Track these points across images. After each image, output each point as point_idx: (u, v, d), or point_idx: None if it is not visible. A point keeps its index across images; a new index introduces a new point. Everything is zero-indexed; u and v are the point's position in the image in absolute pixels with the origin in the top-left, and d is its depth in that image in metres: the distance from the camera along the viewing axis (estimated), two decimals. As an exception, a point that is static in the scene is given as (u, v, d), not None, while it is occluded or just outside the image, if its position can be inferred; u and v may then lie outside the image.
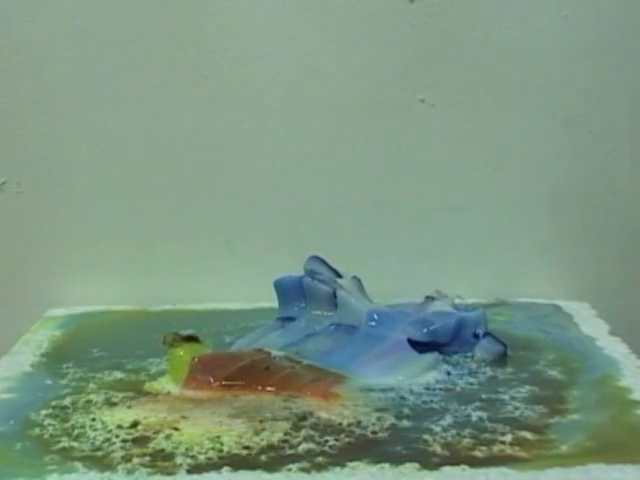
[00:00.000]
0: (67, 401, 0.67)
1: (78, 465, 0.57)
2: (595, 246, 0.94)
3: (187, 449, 0.59)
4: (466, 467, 0.56)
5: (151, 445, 0.59)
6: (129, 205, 0.93)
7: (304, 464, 0.56)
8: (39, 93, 0.91)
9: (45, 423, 0.64)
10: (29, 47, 0.91)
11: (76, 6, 0.90)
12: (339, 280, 0.79)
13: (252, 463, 0.57)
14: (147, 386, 0.70)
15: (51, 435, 0.62)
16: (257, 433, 0.61)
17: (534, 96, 0.92)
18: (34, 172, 0.93)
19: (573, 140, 0.93)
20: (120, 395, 0.68)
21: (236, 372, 0.69)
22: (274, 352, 0.72)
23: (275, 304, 0.81)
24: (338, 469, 0.56)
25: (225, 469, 0.56)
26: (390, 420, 0.63)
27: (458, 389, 0.69)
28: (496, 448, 0.58)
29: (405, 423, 0.63)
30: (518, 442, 0.59)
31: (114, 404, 0.67)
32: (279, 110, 0.92)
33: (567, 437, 0.60)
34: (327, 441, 0.60)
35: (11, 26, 0.90)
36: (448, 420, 0.63)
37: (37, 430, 0.63)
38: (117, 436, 0.61)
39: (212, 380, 0.69)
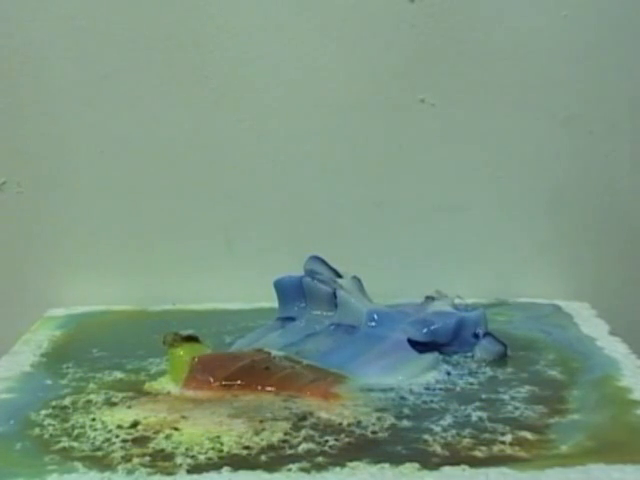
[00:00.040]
0: (67, 401, 0.67)
1: (78, 465, 0.57)
2: (595, 246, 0.94)
3: (187, 449, 0.59)
4: (466, 467, 0.56)
5: (151, 445, 0.59)
6: (129, 205, 0.93)
7: (304, 464, 0.56)
8: (39, 93, 0.91)
9: (45, 423, 0.64)
10: (29, 47, 0.91)
11: (76, 6, 0.90)
12: (339, 280, 0.79)
13: (252, 463, 0.57)
14: (147, 386, 0.70)
15: (51, 435, 0.62)
16: (257, 433, 0.61)
17: (534, 96, 0.92)
18: (34, 172, 0.93)
19: (573, 140, 0.93)
20: (120, 395, 0.68)
21: (236, 372, 0.69)
22: (274, 352, 0.72)
23: (275, 304, 0.81)
24: (338, 469, 0.56)
25: (225, 469, 0.56)
26: (390, 420, 0.63)
27: (458, 389, 0.69)
28: (496, 448, 0.58)
29: (405, 423, 0.63)
30: (518, 442, 0.59)
31: (114, 404, 0.67)
32: (279, 110, 0.92)
33: (567, 437, 0.60)
34: (327, 441, 0.60)
35: (11, 26, 0.90)
36: (448, 420, 0.63)
37: (37, 430, 0.63)
38: (117, 436, 0.61)
39: (212, 380, 0.69)
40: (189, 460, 0.57)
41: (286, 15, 0.91)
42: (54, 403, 0.67)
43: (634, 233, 0.95)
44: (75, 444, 0.60)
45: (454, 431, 0.61)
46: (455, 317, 0.77)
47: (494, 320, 0.82)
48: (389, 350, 0.73)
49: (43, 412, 0.66)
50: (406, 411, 0.64)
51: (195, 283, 0.93)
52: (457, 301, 0.81)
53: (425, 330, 0.76)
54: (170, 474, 0.56)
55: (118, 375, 0.73)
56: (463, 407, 0.65)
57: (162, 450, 0.59)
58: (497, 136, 0.93)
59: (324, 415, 0.63)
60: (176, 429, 0.62)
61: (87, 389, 0.70)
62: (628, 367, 0.72)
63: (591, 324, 0.84)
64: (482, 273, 0.94)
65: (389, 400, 0.67)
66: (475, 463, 0.56)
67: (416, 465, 0.56)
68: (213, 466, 0.56)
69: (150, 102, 0.92)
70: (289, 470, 0.56)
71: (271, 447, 0.59)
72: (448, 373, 0.72)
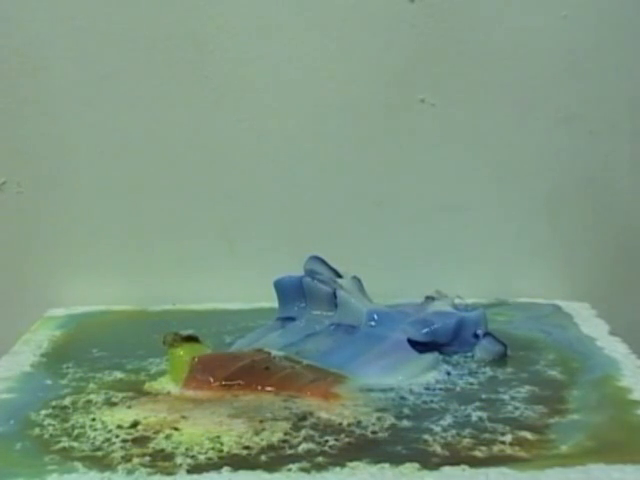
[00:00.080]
0: (67, 401, 0.67)
1: (78, 465, 0.57)
2: (595, 246, 0.94)
3: (187, 449, 0.59)
4: (466, 467, 0.56)
5: (151, 445, 0.59)
6: (129, 205, 0.93)
7: (304, 464, 0.56)
8: (39, 93, 0.91)
9: (45, 423, 0.64)
10: (29, 47, 0.91)
11: (76, 6, 0.90)
12: (339, 280, 0.79)
13: (252, 463, 0.57)
14: (147, 386, 0.70)
15: (51, 435, 0.62)
16: (257, 433, 0.61)
17: (534, 96, 0.92)
18: (34, 172, 0.93)
19: (573, 140, 0.93)
20: (120, 395, 0.68)
21: (236, 372, 0.69)
22: (274, 352, 0.72)
23: (275, 304, 0.81)
24: (338, 469, 0.56)
25: (225, 469, 0.56)
26: (390, 420, 0.63)
27: (458, 389, 0.69)
28: (496, 448, 0.58)
29: (405, 423, 0.63)
30: (518, 442, 0.59)
31: (114, 404, 0.67)
32: (279, 110, 0.92)
33: (567, 437, 0.60)
34: (327, 441, 0.60)
35: (11, 26, 0.90)
36: (448, 420, 0.63)
37: (37, 430, 0.63)
38: (117, 436, 0.61)
39: (212, 380, 0.69)
40: (189, 460, 0.57)
41: (286, 15, 0.91)
42: (54, 403, 0.67)
43: (634, 233, 0.95)
44: (75, 444, 0.60)
45: (454, 431, 0.61)
46: (455, 317, 0.77)
47: (494, 320, 0.82)
48: (389, 350, 0.73)
49: (43, 412, 0.66)
50: (406, 411, 0.64)
51: (195, 283, 0.93)
52: (457, 301, 0.81)
53: (425, 330, 0.76)
54: (170, 474, 0.56)
55: (118, 375, 0.73)
56: (463, 407, 0.65)
57: (162, 450, 0.59)
58: (497, 136, 0.93)
59: (324, 415, 0.63)
60: (176, 429, 0.62)
61: (87, 389, 0.70)
62: (628, 367, 0.72)
63: (591, 324, 0.84)
64: (482, 273, 0.94)
65: (389, 400, 0.67)
66: (475, 463, 0.56)
67: (416, 465, 0.56)
68: (213, 466, 0.56)
69: (150, 102, 0.92)
70: (289, 470, 0.56)
71: (271, 447, 0.59)
72: (448, 373, 0.72)
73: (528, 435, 0.60)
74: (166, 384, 0.70)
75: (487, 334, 0.76)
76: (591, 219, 0.94)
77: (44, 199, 0.93)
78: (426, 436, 0.60)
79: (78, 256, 0.94)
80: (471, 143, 0.93)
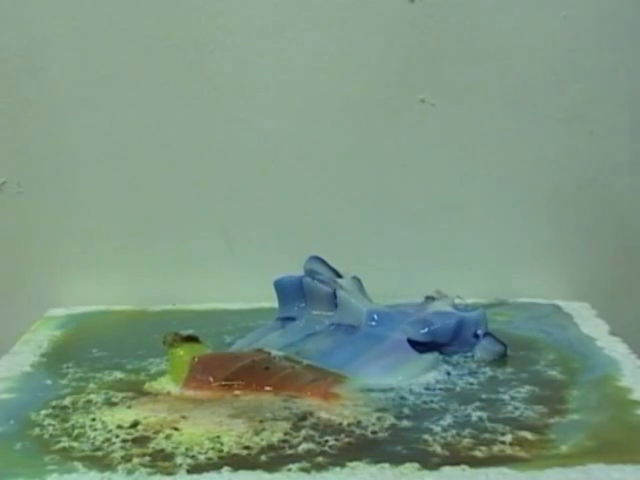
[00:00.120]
0: (67, 401, 0.67)
1: (78, 465, 0.57)
2: (595, 246, 0.94)
3: (187, 449, 0.59)
4: (466, 467, 0.56)
5: (151, 445, 0.59)
6: (129, 205, 0.93)
7: (304, 464, 0.56)
8: (39, 93, 0.91)
9: (45, 423, 0.64)
10: (29, 47, 0.91)
11: (76, 6, 0.90)
12: (339, 280, 0.79)
13: (252, 463, 0.57)
14: (147, 386, 0.70)
15: (51, 435, 0.62)
16: (257, 433, 0.61)
17: (534, 96, 0.92)
18: (34, 172, 0.93)
19: (573, 140, 0.93)
20: (120, 395, 0.68)
21: (236, 372, 0.69)
22: (274, 352, 0.72)
23: (275, 304, 0.81)
24: (338, 469, 0.56)
25: (225, 469, 0.56)
26: (390, 420, 0.63)
27: (458, 389, 0.69)
28: (496, 448, 0.58)
29: (405, 423, 0.63)
30: (518, 442, 0.59)
31: (114, 404, 0.67)
32: (279, 110, 0.92)
33: (567, 437, 0.60)
34: (327, 441, 0.60)
35: (11, 26, 0.90)
36: (448, 420, 0.63)
37: (37, 430, 0.63)
38: (117, 436, 0.61)
39: (212, 380, 0.69)
40: (189, 460, 0.57)
41: (286, 15, 0.91)
42: (54, 403, 0.67)
43: (634, 233, 0.95)
44: (75, 444, 0.60)
45: (454, 431, 0.61)
46: (455, 317, 0.77)
47: (494, 320, 0.82)
48: (389, 350, 0.73)
49: (43, 412, 0.66)
50: (406, 411, 0.64)
51: (195, 283, 0.93)
52: (457, 301, 0.81)
53: (425, 330, 0.76)
54: (170, 474, 0.56)
55: (118, 375, 0.73)
56: (463, 407, 0.65)
57: (162, 450, 0.59)
58: (497, 136, 0.93)
59: (324, 415, 0.63)
60: (176, 429, 0.62)
61: (87, 389, 0.70)
62: (628, 367, 0.72)
63: (591, 324, 0.84)
64: (482, 273, 0.94)
65: (389, 400, 0.67)
66: (475, 463, 0.56)
67: (416, 465, 0.56)
68: (213, 466, 0.56)
69: (150, 102, 0.92)
70: (289, 470, 0.56)
71: (271, 447, 0.59)
72: (448, 373, 0.72)
73: (528, 435, 0.60)
74: (166, 384, 0.70)
75: (487, 334, 0.76)
76: (591, 219, 0.94)
77: (44, 199, 0.93)
78: (426, 436, 0.60)
79: (78, 256, 0.94)
80: (471, 143, 0.93)
